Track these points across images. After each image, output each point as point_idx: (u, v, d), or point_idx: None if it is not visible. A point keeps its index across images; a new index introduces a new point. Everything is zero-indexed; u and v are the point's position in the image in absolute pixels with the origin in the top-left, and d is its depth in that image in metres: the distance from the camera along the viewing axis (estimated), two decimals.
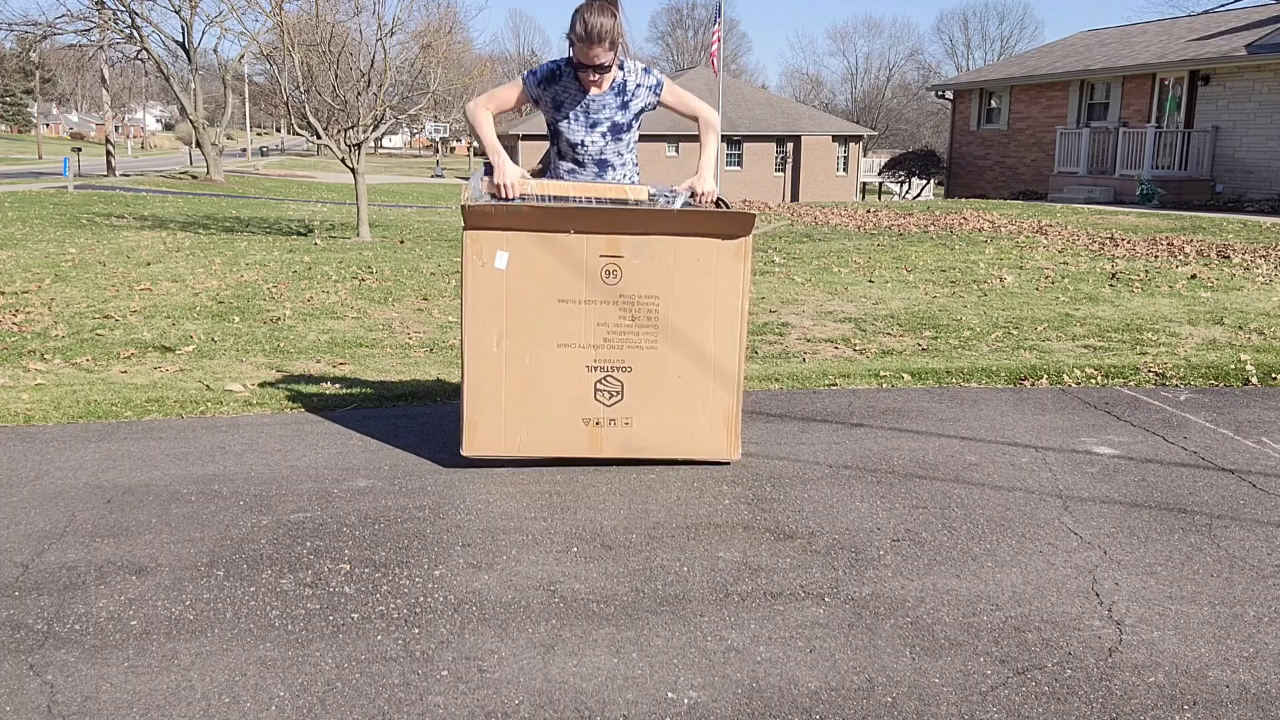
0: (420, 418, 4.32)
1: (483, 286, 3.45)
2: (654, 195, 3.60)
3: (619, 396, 3.52)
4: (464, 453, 3.54)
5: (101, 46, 32.27)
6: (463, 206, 3.46)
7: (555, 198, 3.54)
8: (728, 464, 3.63)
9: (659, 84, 3.69)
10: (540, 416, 3.54)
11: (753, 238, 3.54)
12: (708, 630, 2.46)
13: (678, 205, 3.58)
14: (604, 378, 3.51)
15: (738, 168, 43.00)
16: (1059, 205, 18.18)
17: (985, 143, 26.17)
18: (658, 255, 3.48)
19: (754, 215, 3.51)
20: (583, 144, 3.70)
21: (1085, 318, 6.66)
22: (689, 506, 3.27)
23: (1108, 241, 11.07)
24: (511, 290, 3.47)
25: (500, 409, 3.52)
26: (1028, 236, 11.64)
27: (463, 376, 3.54)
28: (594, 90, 3.61)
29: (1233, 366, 5.20)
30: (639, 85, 3.67)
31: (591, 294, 3.48)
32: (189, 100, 31.69)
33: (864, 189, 44.51)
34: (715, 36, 30.41)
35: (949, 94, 28.39)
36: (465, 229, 3.45)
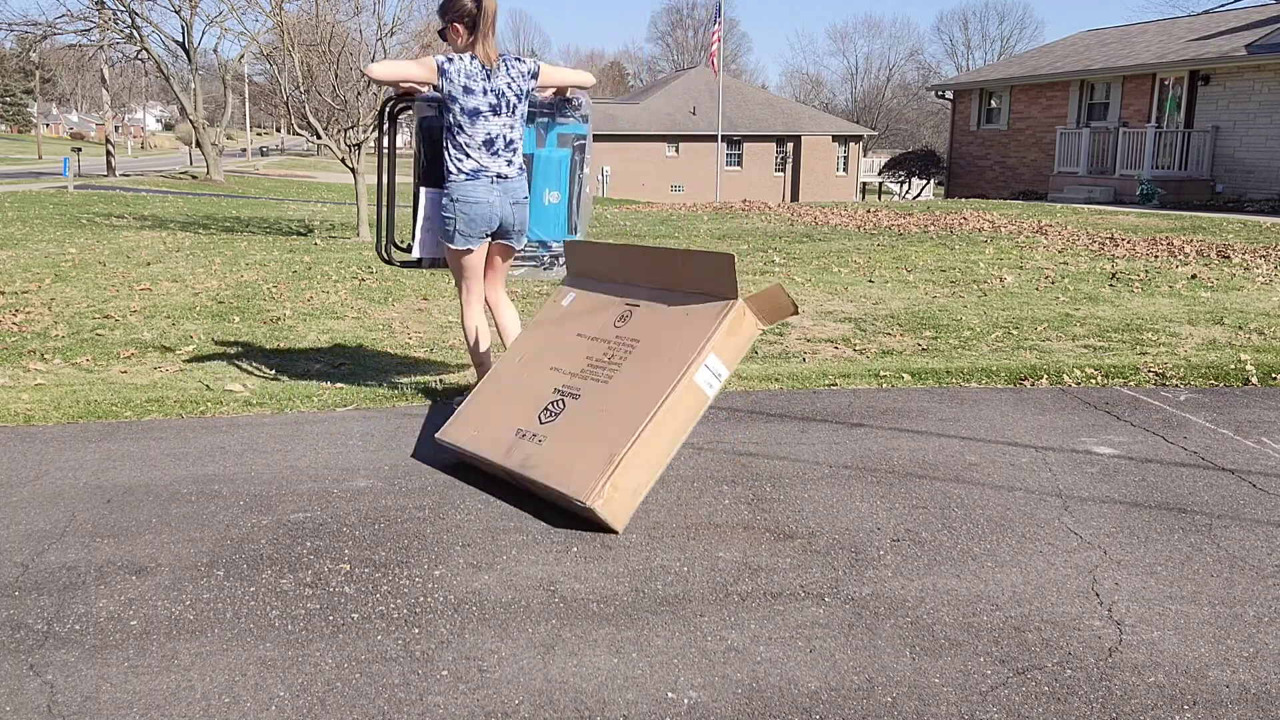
0: (420, 418, 4.32)
1: (543, 313, 3.92)
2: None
3: (554, 417, 3.40)
4: (436, 435, 3.77)
5: (101, 46, 32.27)
6: (567, 244, 3.98)
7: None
8: (585, 507, 3.03)
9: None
10: (493, 421, 3.59)
11: (748, 314, 3.27)
12: (708, 630, 2.46)
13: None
14: (556, 399, 3.45)
15: (738, 168, 42.98)
16: (1059, 205, 18.18)
17: (985, 143, 26.17)
18: (661, 307, 3.51)
19: (730, 263, 3.28)
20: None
21: (1085, 318, 6.66)
22: (689, 506, 3.28)
23: (1108, 241, 11.07)
24: (555, 320, 3.81)
25: (480, 407, 3.75)
26: (1028, 236, 11.64)
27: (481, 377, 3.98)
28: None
29: (1233, 366, 5.20)
30: None
31: (602, 333, 3.59)
32: (189, 100, 31.68)
33: (864, 189, 44.51)
34: (715, 36, 30.44)
35: (949, 94, 28.39)
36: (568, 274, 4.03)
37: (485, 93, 4.11)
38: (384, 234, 4.54)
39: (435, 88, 4.12)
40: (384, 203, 4.52)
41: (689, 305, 3.42)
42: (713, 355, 3.24)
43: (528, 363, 3.75)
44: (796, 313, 3.31)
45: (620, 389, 3.32)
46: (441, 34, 4.20)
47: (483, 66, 4.07)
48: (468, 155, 4.12)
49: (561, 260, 4.64)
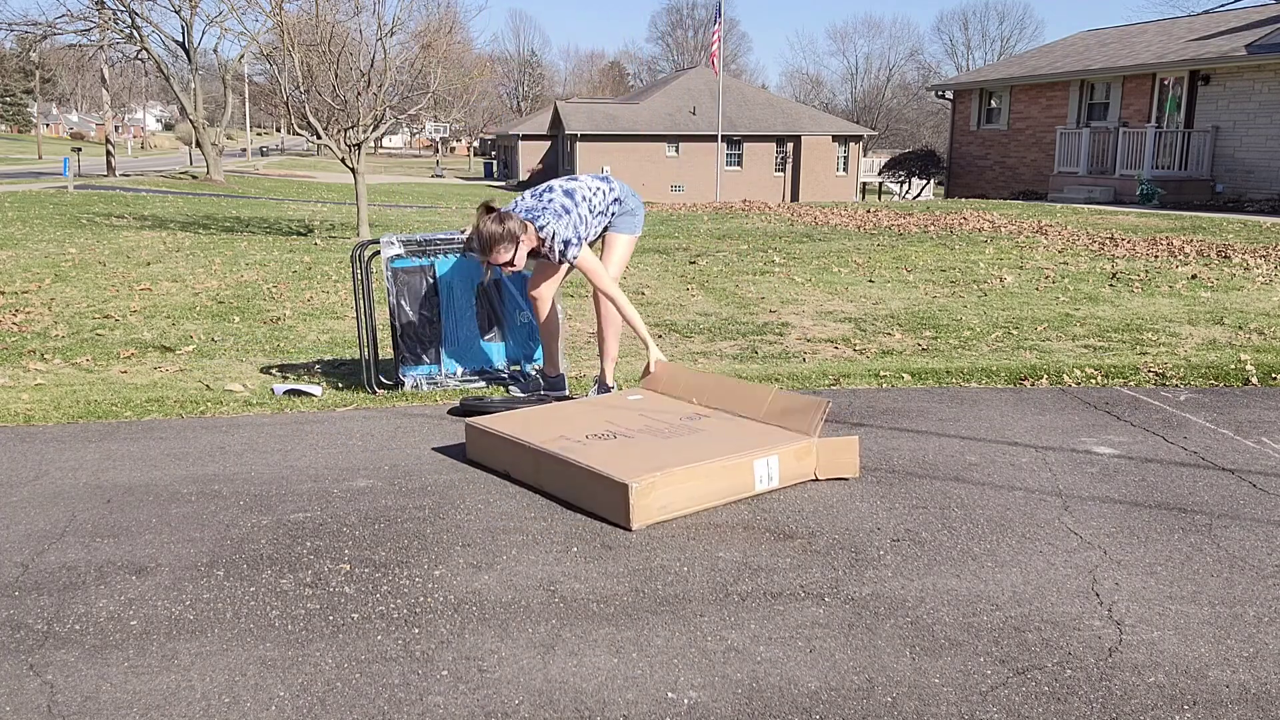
0: (420, 417, 4.32)
1: (603, 398, 4.20)
2: None
3: (602, 439, 3.55)
4: (467, 421, 3.85)
5: (101, 46, 32.24)
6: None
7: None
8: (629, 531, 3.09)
9: (569, 260, 4.31)
10: (533, 427, 3.69)
11: (814, 454, 3.50)
12: (708, 630, 2.46)
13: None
14: (608, 432, 3.61)
15: (738, 168, 42.96)
16: (1059, 205, 18.18)
17: (985, 143, 26.17)
18: (740, 420, 3.76)
19: (822, 407, 3.59)
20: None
21: (1085, 318, 6.66)
22: None
23: (1108, 241, 11.07)
24: (618, 406, 3.97)
25: (520, 415, 3.88)
26: (1028, 236, 11.64)
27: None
28: (510, 270, 4.32)
29: (1233, 366, 5.20)
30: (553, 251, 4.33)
31: (668, 420, 3.75)
32: (189, 100, 31.66)
33: (864, 189, 44.47)
34: (715, 36, 30.44)
35: (949, 94, 28.38)
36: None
37: (544, 194, 4.43)
38: (372, 370, 4.78)
39: (598, 208, 4.52)
40: (365, 340, 4.77)
41: (765, 427, 3.64)
42: (775, 458, 3.39)
43: (582, 411, 3.91)
44: (856, 475, 3.53)
45: (676, 443, 3.46)
46: (507, 263, 4.34)
47: (530, 218, 4.31)
48: (600, 181, 4.61)
49: (548, 388, 4.77)
